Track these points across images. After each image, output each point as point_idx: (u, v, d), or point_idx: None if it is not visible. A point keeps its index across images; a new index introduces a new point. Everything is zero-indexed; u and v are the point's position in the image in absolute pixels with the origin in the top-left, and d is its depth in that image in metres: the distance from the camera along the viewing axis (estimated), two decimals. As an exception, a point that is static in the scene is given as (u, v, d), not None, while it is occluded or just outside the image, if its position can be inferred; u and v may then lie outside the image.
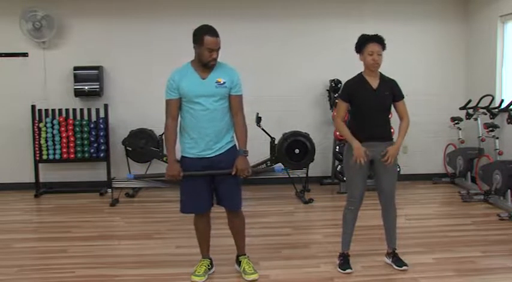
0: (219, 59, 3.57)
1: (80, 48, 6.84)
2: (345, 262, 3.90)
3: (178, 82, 3.53)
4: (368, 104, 3.74)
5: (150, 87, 6.95)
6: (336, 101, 6.65)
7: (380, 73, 3.83)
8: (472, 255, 4.21)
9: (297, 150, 6.38)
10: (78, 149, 6.69)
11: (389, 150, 3.73)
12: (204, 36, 3.45)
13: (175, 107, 3.59)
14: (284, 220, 5.43)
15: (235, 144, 3.71)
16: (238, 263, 3.87)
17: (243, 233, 3.87)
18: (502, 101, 6.30)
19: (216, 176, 3.63)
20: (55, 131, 6.64)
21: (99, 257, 4.29)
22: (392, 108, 3.88)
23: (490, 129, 6.09)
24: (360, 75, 3.83)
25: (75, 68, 6.74)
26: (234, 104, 3.63)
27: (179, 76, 3.56)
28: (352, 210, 3.87)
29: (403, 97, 3.85)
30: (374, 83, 3.77)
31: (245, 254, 3.89)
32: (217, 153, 3.60)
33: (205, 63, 3.50)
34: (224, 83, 3.55)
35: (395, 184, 3.90)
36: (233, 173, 3.58)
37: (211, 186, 3.66)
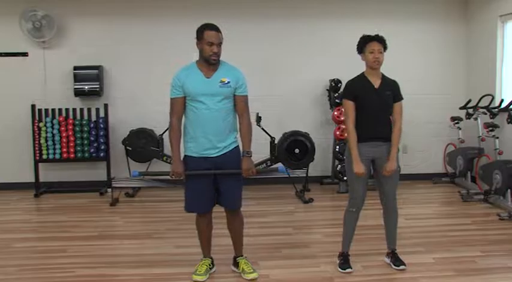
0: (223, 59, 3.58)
1: (80, 47, 6.84)
2: (345, 262, 3.90)
3: (183, 80, 3.55)
4: (370, 104, 3.73)
5: (150, 86, 6.97)
6: (337, 100, 6.70)
7: (382, 74, 3.82)
8: (472, 255, 4.21)
9: (297, 150, 6.38)
10: (78, 148, 6.68)
11: (387, 168, 3.73)
12: (204, 30, 3.50)
13: (180, 105, 3.60)
14: (284, 220, 5.43)
15: (238, 145, 3.71)
16: (236, 264, 3.87)
17: (241, 233, 3.87)
18: (502, 100, 6.29)
19: (218, 176, 3.63)
20: (55, 131, 6.64)
21: (98, 256, 4.29)
22: None
23: (490, 128, 6.09)
24: (362, 75, 3.82)
25: (75, 68, 6.74)
26: (239, 104, 3.64)
27: (184, 74, 3.58)
28: (353, 211, 3.86)
29: (402, 99, 3.85)
30: (376, 82, 3.77)
31: (242, 255, 3.89)
32: (221, 153, 3.60)
33: (206, 59, 3.51)
34: (228, 82, 3.56)
35: (397, 185, 3.90)
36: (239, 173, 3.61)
37: (214, 186, 3.66)
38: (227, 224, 3.85)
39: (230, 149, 3.64)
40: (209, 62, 3.52)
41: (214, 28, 3.51)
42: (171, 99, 3.61)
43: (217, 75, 3.56)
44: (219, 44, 3.51)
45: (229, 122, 3.63)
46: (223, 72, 3.58)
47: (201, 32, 3.52)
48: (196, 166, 3.61)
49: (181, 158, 3.65)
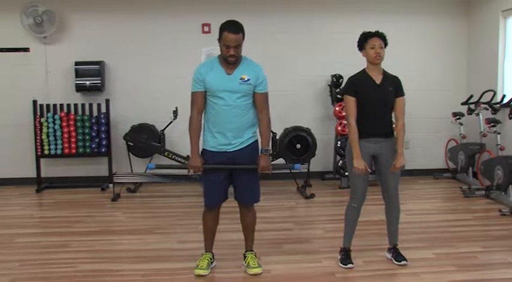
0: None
1: (82, 43, 6.83)
2: (346, 257, 3.90)
3: (204, 75, 3.54)
4: (372, 100, 3.72)
5: (152, 82, 6.97)
6: (338, 96, 6.69)
7: (383, 70, 3.82)
8: (473, 251, 4.22)
9: (298, 145, 6.38)
10: (80, 144, 6.68)
11: (397, 164, 3.74)
12: (223, 31, 3.45)
13: (200, 99, 3.59)
14: (285, 215, 5.43)
15: (257, 140, 3.73)
16: (245, 258, 3.88)
17: (253, 228, 3.88)
18: (504, 96, 6.29)
19: (234, 171, 3.64)
20: (56, 126, 6.64)
21: (100, 251, 4.30)
22: None
23: (492, 124, 6.08)
24: (363, 71, 3.82)
25: (77, 63, 6.73)
26: (259, 101, 3.65)
27: (205, 69, 3.57)
28: (355, 207, 3.87)
29: (404, 94, 3.84)
30: (377, 78, 3.76)
31: (252, 250, 3.89)
32: (238, 148, 3.62)
33: (224, 58, 3.51)
34: (248, 80, 3.56)
35: (399, 180, 3.90)
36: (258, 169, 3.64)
37: (229, 181, 3.68)
38: (240, 218, 3.87)
39: (247, 144, 3.65)
40: (227, 62, 3.52)
41: (233, 30, 3.43)
42: (192, 93, 3.61)
43: (238, 72, 3.55)
44: (237, 46, 3.46)
45: (248, 118, 3.64)
46: (245, 69, 3.58)
47: (220, 32, 3.47)
48: (213, 160, 3.62)
49: (200, 152, 3.66)
